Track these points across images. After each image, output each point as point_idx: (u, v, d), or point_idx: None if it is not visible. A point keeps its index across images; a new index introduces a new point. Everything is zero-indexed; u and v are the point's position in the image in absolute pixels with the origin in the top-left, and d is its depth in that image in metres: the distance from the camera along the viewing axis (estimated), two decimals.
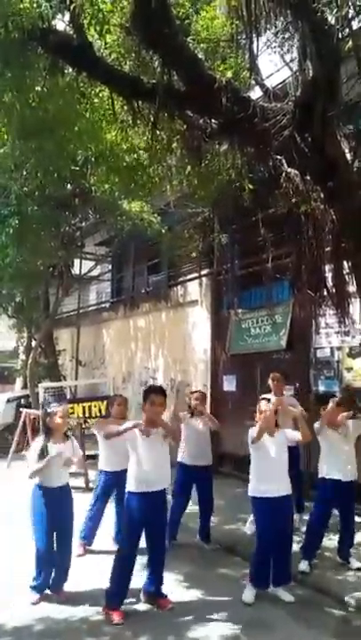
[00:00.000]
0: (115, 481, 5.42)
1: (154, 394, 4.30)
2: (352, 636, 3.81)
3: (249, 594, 4.33)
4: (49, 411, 4.56)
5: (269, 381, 6.19)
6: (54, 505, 4.36)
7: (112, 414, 5.72)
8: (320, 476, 5.00)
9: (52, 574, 4.40)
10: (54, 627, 3.95)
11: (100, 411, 9.97)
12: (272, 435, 4.45)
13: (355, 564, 4.92)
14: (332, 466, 4.90)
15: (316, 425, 4.93)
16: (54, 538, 4.39)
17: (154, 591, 4.29)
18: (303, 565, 4.81)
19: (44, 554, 4.32)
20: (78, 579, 4.64)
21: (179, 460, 5.72)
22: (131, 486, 4.22)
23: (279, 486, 4.38)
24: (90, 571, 4.92)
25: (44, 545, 4.31)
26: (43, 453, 4.34)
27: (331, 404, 4.95)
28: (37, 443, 4.49)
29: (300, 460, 6.13)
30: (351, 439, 4.99)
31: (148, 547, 4.28)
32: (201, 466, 5.69)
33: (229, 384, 9.14)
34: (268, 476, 4.39)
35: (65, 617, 4.10)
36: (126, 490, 4.28)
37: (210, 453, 5.80)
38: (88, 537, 5.55)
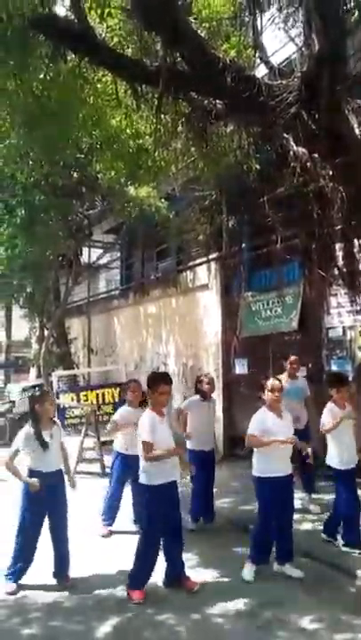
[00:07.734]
0: (127, 462, 5.47)
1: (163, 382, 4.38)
2: None
3: (247, 572, 4.41)
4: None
5: (286, 363, 6.23)
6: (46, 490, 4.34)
7: (128, 401, 5.78)
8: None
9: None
10: (79, 603, 4.11)
11: (113, 397, 10.08)
12: (280, 416, 4.51)
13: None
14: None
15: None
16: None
17: (178, 573, 4.33)
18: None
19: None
20: (99, 559, 4.76)
21: (190, 447, 5.67)
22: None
23: (286, 466, 4.44)
24: (111, 552, 5.05)
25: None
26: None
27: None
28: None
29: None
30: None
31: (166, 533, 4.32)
32: (207, 450, 5.75)
33: (241, 367, 9.14)
34: (276, 456, 4.42)
35: (94, 594, 4.24)
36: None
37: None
38: (108, 519, 5.65)
